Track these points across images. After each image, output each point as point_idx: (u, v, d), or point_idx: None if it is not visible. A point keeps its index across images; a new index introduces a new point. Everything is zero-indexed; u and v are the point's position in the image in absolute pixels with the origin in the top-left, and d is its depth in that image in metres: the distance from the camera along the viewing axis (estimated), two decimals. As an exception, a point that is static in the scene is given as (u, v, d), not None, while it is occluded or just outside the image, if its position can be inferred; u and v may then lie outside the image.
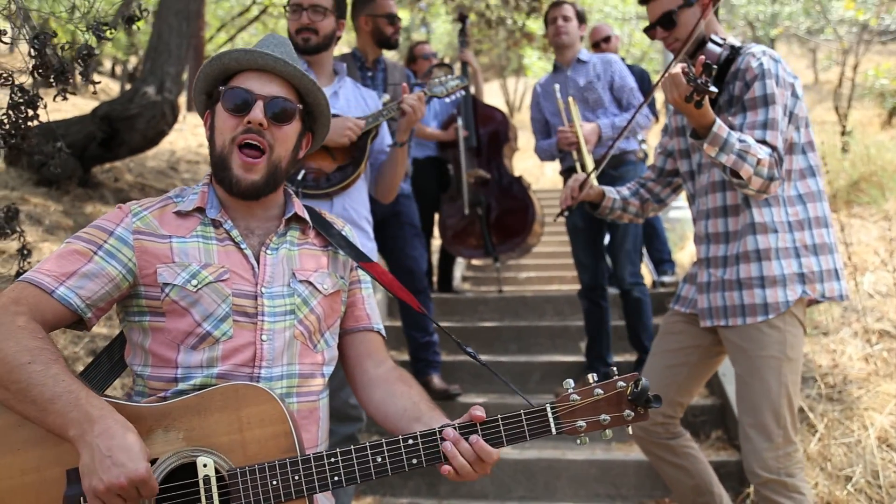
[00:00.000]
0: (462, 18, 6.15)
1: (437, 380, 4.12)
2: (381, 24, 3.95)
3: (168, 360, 1.58)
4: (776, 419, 2.30)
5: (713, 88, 2.11)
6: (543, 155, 4.51)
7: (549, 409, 1.52)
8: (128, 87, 10.73)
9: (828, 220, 2.43)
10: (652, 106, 5.01)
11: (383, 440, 1.51)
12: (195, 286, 1.58)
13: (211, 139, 1.68)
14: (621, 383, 1.52)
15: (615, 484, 3.46)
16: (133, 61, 14.21)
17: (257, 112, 1.63)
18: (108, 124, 5.79)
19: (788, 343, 2.34)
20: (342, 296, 1.78)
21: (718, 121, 2.21)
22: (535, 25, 9.58)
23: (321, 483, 1.47)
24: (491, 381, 4.45)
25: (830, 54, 8.75)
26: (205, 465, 1.45)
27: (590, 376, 1.56)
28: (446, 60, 17.76)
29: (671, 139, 2.68)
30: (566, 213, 2.72)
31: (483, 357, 4.47)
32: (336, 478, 1.48)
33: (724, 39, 2.42)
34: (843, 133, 7.09)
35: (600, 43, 5.51)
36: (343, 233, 1.83)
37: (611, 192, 2.74)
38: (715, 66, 2.22)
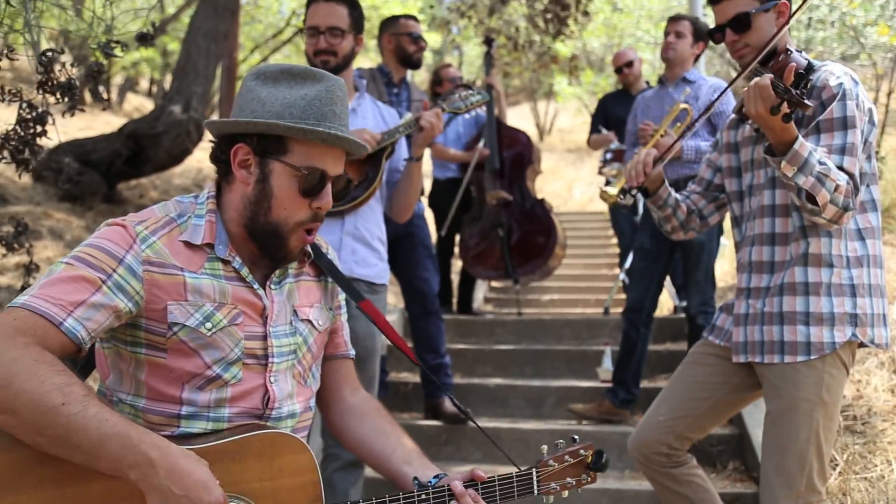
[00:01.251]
0: (488, 42, 6.15)
1: (447, 403, 4.07)
2: (404, 42, 3.98)
3: (171, 396, 1.49)
4: (801, 465, 2.13)
5: (809, 102, 1.95)
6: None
7: (535, 474, 1.67)
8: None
9: (882, 261, 2.26)
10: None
11: (401, 494, 1.55)
12: (209, 329, 1.49)
13: (260, 202, 1.53)
14: (583, 451, 1.71)
15: (627, 514, 3.37)
16: (169, 80, 14.49)
17: (329, 199, 1.55)
18: (134, 142, 5.90)
19: (825, 385, 2.15)
20: (329, 328, 1.75)
21: (801, 138, 2.02)
22: (563, 47, 9.58)
23: None
24: (504, 404, 4.39)
25: (865, 80, 8.60)
26: None
27: (558, 443, 1.72)
28: (478, 83, 17.91)
29: (720, 155, 2.48)
30: (634, 193, 2.45)
31: (498, 381, 4.47)
32: None
33: (801, 52, 2.25)
34: (876, 159, 6.95)
35: (622, 68, 5.47)
36: (329, 256, 1.76)
37: (667, 185, 2.54)
38: (810, 77, 2.06)
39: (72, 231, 5.10)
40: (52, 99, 2.45)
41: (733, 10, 2.25)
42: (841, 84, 2.14)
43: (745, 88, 2.05)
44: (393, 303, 5.38)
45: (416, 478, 1.60)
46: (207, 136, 9.61)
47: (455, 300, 5.95)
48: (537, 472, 1.66)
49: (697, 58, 4.26)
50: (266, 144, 1.52)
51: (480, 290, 6.81)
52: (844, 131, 2.12)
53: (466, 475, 1.61)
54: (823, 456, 2.16)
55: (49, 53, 2.30)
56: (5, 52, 2.17)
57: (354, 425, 1.72)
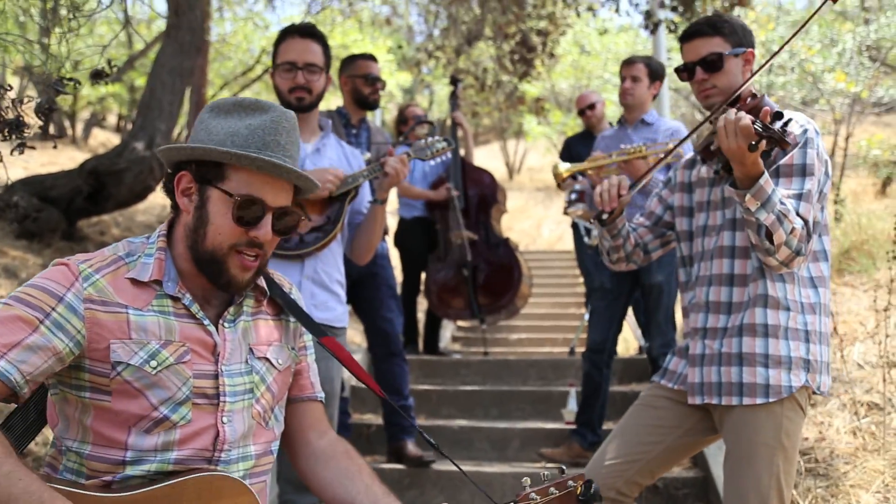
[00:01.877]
0: (454, 82, 6.20)
1: (411, 446, 3.99)
2: (359, 84, 4.01)
3: (115, 441, 1.44)
4: None
5: (789, 140, 1.99)
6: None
7: None
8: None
9: (829, 310, 2.29)
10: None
11: None
12: (154, 368, 1.44)
13: (198, 230, 1.51)
14: (571, 483, 1.58)
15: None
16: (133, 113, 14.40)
17: (267, 230, 1.51)
18: (95, 178, 5.81)
19: (784, 429, 2.15)
20: (292, 368, 1.69)
21: (766, 174, 2.04)
22: (535, 90, 9.71)
23: None
24: (469, 446, 4.32)
25: (824, 125, 8.83)
26: None
27: (542, 473, 1.59)
28: (448, 122, 18.06)
29: (672, 193, 2.49)
30: (605, 217, 2.39)
31: (462, 422, 4.41)
32: None
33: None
34: (835, 202, 7.09)
35: (585, 110, 5.52)
36: (291, 296, 1.73)
37: (624, 216, 2.51)
38: (788, 118, 2.08)
39: (27, 269, 4.98)
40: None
41: (706, 49, 2.29)
42: (805, 132, 2.18)
43: (721, 124, 2.05)
44: (359, 341, 5.31)
45: None
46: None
47: (421, 340, 5.89)
48: None
49: (655, 97, 4.30)
50: (205, 171, 1.51)
51: (448, 329, 6.78)
52: (803, 178, 2.15)
53: None
54: (784, 499, 2.15)
55: (-2, 89, 2.26)
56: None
57: (320, 469, 1.65)
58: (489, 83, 8.77)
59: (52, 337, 1.39)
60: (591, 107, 5.52)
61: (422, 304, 6.05)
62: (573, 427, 4.17)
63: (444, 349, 6.14)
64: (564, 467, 1.63)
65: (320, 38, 2.86)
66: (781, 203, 2.05)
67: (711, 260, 2.29)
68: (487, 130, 17.14)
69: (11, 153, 2.43)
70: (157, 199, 7.77)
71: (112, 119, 16.47)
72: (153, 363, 1.45)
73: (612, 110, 10.32)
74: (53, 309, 1.41)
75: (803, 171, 2.15)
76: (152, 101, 6.25)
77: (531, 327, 7.40)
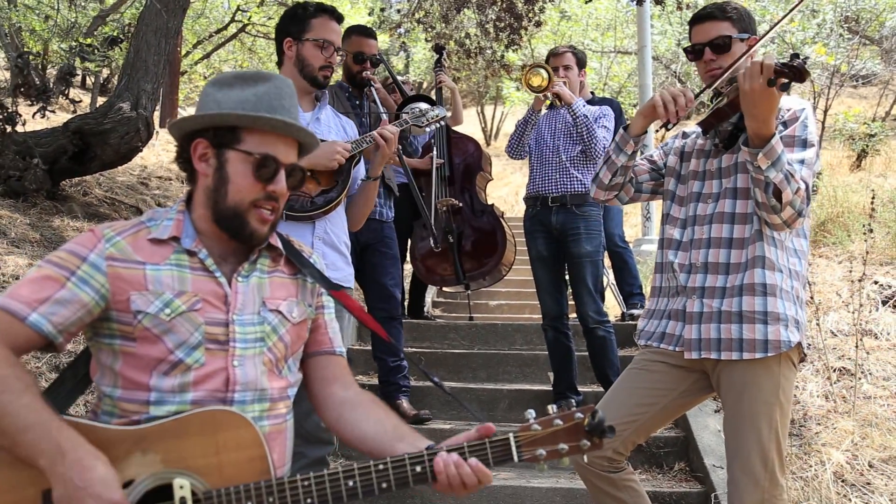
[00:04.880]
0: (438, 50, 6.21)
1: (406, 404, 4.13)
2: (349, 60, 4.06)
3: (140, 384, 1.59)
4: (764, 463, 2.27)
5: (808, 70, 2.08)
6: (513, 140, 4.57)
7: (511, 438, 1.57)
8: (100, 99, 10.63)
9: (807, 280, 2.44)
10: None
11: (354, 464, 1.55)
12: (168, 315, 1.60)
13: (219, 189, 1.67)
14: (579, 414, 1.58)
15: (579, 513, 3.49)
16: (105, 73, 14.08)
17: (283, 185, 1.69)
18: (80, 138, 5.74)
19: (782, 388, 2.29)
20: (308, 323, 1.81)
21: (777, 135, 2.17)
22: (515, 56, 9.73)
23: None
24: (459, 407, 4.47)
25: (802, 95, 9.01)
26: (181, 487, 1.47)
27: (550, 407, 1.61)
28: (424, 85, 17.90)
29: (666, 156, 2.60)
30: (670, 127, 2.40)
31: (451, 384, 4.55)
32: (309, 500, 1.51)
33: None
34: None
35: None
36: (311, 260, 1.87)
37: None
38: (805, 57, 2.17)
39: (16, 228, 4.96)
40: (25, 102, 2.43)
41: (715, 31, 2.42)
42: (804, 109, 2.35)
43: (742, 71, 2.16)
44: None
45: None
46: (159, 136, 9.32)
47: (406, 304, 6.00)
48: (516, 437, 1.56)
49: (582, 82, 4.67)
50: (221, 136, 1.68)
51: (429, 294, 6.89)
52: (804, 149, 2.30)
53: (450, 442, 1.58)
54: (783, 451, 2.31)
55: (24, 57, 2.28)
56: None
57: (347, 413, 1.76)
58: (473, 48, 8.75)
59: (79, 291, 1.57)
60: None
61: (406, 271, 6.14)
62: (557, 397, 4.33)
63: (426, 314, 6.26)
64: (576, 402, 1.63)
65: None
66: (789, 164, 2.20)
67: (710, 224, 2.42)
68: (464, 95, 17.12)
69: (34, 116, 2.47)
70: (137, 159, 7.72)
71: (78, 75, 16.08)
72: (167, 311, 1.60)
73: (590, 77, 10.37)
74: (79, 267, 1.59)
75: (804, 143, 2.31)
76: (137, 62, 6.17)
77: (511, 293, 7.54)
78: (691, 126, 2.69)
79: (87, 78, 15.42)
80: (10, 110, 2.27)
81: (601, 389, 4.43)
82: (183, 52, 14.35)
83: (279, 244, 1.81)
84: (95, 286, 1.59)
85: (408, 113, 3.12)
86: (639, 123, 2.50)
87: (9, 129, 2.32)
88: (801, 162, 2.27)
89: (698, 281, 2.42)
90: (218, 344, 1.63)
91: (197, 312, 1.62)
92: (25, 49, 2.11)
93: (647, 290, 6.10)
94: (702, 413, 4.01)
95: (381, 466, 1.54)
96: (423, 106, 3.64)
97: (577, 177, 4.35)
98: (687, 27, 2.60)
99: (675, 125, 2.41)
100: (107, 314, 1.61)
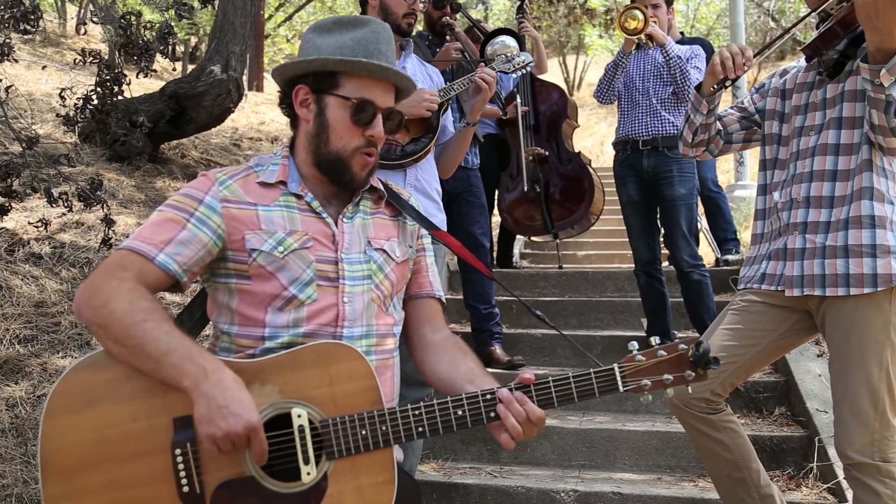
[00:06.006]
0: (521, -1, 6.12)
1: (499, 350, 4.19)
2: (429, 8, 4.07)
3: (256, 319, 1.67)
4: (874, 403, 2.19)
5: None
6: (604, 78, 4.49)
7: (616, 369, 1.62)
8: (190, 66, 10.96)
9: None
10: None
11: (464, 395, 1.60)
12: (282, 252, 1.66)
13: (320, 135, 1.72)
14: (682, 346, 1.62)
15: (676, 455, 3.48)
16: (193, 41, 14.47)
17: (380, 129, 1.72)
18: (176, 102, 5.96)
19: (893, 325, 2.20)
20: (410, 263, 1.87)
21: None
22: (597, 2, 9.48)
23: (406, 433, 1.57)
24: (552, 353, 4.50)
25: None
26: (299, 416, 1.55)
27: (652, 339, 1.64)
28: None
29: (763, 98, 2.52)
30: (727, 85, 2.39)
31: (543, 331, 4.56)
32: (420, 428, 1.57)
33: None
34: None
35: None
36: (411, 203, 1.92)
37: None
38: None
39: (123, 190, 5.22)
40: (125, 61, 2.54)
41: None
42: None
43: None
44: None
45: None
46: (248, 99, 9.51)
47: (495, 255, 6.03)
48: (620, 367, 1.60)
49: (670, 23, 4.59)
50: (321, 81, 1.72)
51: (517, 245, 6.89)
52: None
53: (516, 380, 1.63)
54: (894, 391, 2.21)
55: (128, 17, 2.38)
56: (87, 14, 2.25)
57: (430, 356, 1.84)
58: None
59: (198, 231, 1.65)
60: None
61: (494, 221, 6.16)
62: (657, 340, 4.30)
63: (514, 264, 6.29)
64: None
65: None
66: None
67: (812, 157, 2.32)
68: (546, 46, 16.78)
69: (137, 76, 2.58)
70: (228, 121, 7.96)
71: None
72: (280, 248, 1.67)
73: (678, 20, 10.01)
74: (196, 209, 1.67)
75: None
76: (225, 24, 6.34)
77: (599, 243, 7.47)
78: (789, 62, 2.58)
79: (178, 47, 15.89)
80: (116, 71, 2.39)
81: (696, 334, 4.37)
82: (266, 16, 14.58)
83: (381, 187, 1.86)
84: (212, 226, 1.66)
85: (493, 59, 3.12)
86: (708, 82, 2.45)
87: (116, 88, 2.44)
88: None
89: (800, 216, 2.33)
90: (328, 281, 1.70)
91: (308, 250, 1.68)
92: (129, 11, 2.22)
93: (741, 237, 5.96)
94: (803, 357, 3.91)
95: (488, 396, 1.60)
96: (510, 42, 3.62)
97: (668, 119, 4.27)
98: None
99: (733, 82, 2.38)
100: (223, 254, 1.69)
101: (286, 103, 1.80)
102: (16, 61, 2.94)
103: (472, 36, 5.92)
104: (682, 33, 5.46)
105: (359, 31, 1.72)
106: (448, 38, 4.26)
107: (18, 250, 3.84)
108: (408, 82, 1.78)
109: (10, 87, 3.06)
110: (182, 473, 1.52)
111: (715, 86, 2.43)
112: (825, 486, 3.10)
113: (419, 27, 4.44)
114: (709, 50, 5.12)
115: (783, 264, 2.36)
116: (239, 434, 1.47)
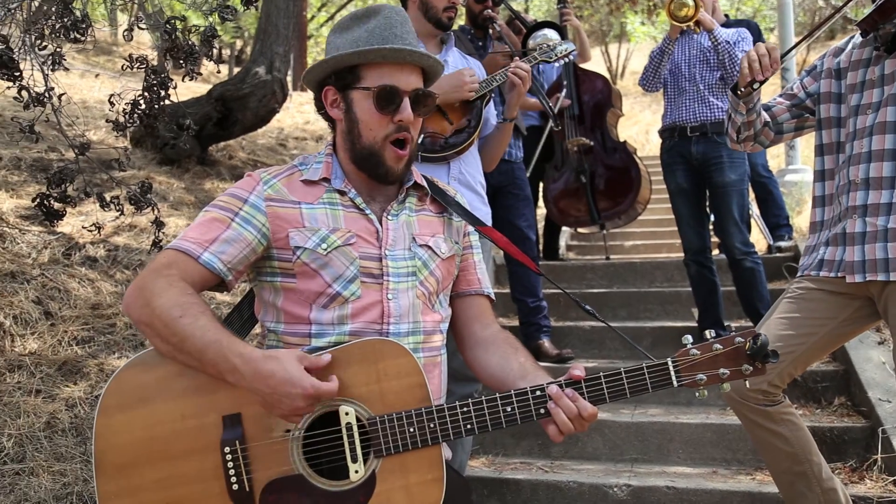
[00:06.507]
0: (562, -14, 6.05)
1: (548, 344, 4.16)
2: (470, 2, 4.04)
3: (301, 317, 1.68)
4: None
5: None
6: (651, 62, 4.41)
7: (670, 363, 1.57)
8: (236, 69, 11.12)
9: None
10: None
11: (513, 391, 1.58)
12: (325, 249, 1.67)
13: (352, 130, 1.73)
14: (739, 339, 1.57)
15: (731, 448, 3.41)
16: (238, 44, 14.70)
17: (409, 112, 1.70)
18: (222, 104, 6.05)
19: None
20: (456, 260, 1.86)
21: None
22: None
23: (455, 430, 1.55)
24: (601, 346, 4.45)
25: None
26: (347, 414, 1.55)
27: (707, 332, 1.60)
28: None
29: (816, 81, 2.45)
30: (756, 87, 2.37)
31: (591, 324, 4.51)
32: (469, 426, 1.56)
33: None
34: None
35: None
36: (456, 199, 1.90)
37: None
38: None
39: (173, 193, 5.32)
40: (172, 65, 2.58)
41: None
42: None
43: None
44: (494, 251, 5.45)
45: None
46: (292, 99, 9.66)
47: (541, 247, 5.99)
48: (674, 362, 1.57)
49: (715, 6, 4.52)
50: (343, 78, 1.73)
51: (563, 237, 6.84)
52: None
53: (565, 376, 1.60)
54: None
55: (171, 22, 2.42)
56: (135, 21, 2.29)
57: (481, 353, 1.82)
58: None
59: (243, 230, 1.67)
60: None
61: (539, 213, 6.12)
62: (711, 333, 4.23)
63: (561, 256, 6.23)
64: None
65: None
66: None
67: (870, 136, 2.24)
68: (588, 35, 16.61)
69: (183, 79, 2.61)
70: (274, 122, 8.05)
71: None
72: (324, 245, 1.67)
73: (722, 3, 9.81)
74: (241, 209, 1.69)
75: None
76: (269, 26, 6.41)
77: (646, 233, 7.36)
78: (841, 40, 2.49)
79: (223, 50, 16.16)
80: (162, 75, 2.43)
81: (750, 324, 4.27)
82: (308, 16, 14.72)
83: (425, 184, 1.85)
84: (257, 225, 1.68)
85: (535, 50, 3.08)
86: (739, 84, 2.41)
87: (163, 93, 2.48)
88: None
89: (859, 199, 2.25)
90: (372, 278, 1.69)
91: (351, 247, 1.69)
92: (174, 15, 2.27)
93: (794, 222, 5.81)
94: (863, 345, 3.79)
95: (538, 393, 1.57)
96: (552, 35, 3.57)
97: (716, 104, 4.19)
98: None
99: (761, 84, 2.35)
100: (268, 253, 1.70)
101: (320, 106, 1.81)
102: (67, 69, 3.02)
103: (514, 28, 5.89)
104: (726, 16, 5.34)
105: (371, 22, 1.72)
106: (490, 31, 4.23)
107: (75, 254, 3.94)
108: (429, 60, 1.75)
109: (63, 94, 3.14)
110: (231, 472, 1.54)
111: (742, 88, 2.40)
112: (891, 478, 3.00)
113: (461, 21, 4.41)
114: (755, 32, 5.01)
115: (843, 249, 2.28)
116: (302, 408, 1.50)
